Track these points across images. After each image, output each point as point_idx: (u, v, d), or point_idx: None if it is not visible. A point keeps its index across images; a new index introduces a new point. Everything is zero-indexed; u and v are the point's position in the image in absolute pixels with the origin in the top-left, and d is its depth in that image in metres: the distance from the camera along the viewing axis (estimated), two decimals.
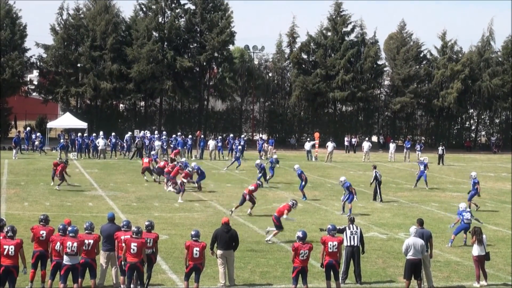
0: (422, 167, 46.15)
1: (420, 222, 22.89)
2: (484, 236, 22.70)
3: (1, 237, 18.88)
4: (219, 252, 21.06)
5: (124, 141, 63.51)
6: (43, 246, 19.98)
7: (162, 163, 43.60)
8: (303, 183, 39.60)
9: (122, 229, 20.38)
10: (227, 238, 21.10)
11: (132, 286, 19.68)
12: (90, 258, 19.58)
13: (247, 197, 33.56)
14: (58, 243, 19.29)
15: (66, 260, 19.09)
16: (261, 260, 24.43)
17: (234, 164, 54.18)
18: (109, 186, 41.85)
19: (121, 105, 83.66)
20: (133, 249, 19.42)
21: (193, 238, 20.26)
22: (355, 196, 34.51)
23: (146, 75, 75.87)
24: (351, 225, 22.36)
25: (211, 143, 63.61)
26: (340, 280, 21.20)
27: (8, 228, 19.09)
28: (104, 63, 76.45)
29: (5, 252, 18.47)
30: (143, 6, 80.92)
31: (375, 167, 42.86)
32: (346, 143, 75.25)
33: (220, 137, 68.27)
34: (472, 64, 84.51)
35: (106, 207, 34.14)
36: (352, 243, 21.97)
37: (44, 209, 32.66)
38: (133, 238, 19.58)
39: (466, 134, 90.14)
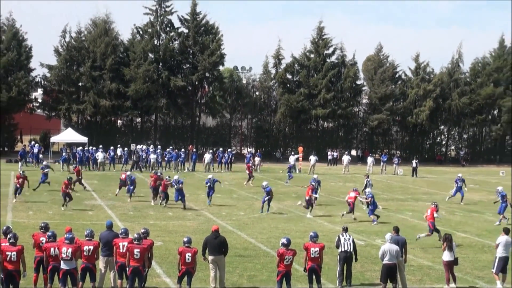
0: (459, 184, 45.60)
1: (396, 230, 23.00)
2: (454, 243, 22.79)
3: (5, 244, 18.90)
4: (210, 257, 21.03)
5: (121, 153, 64.01)
6: (43, 251, 19.99)
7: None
8: (268, 197, 37.55)
9: (120, 236, 20.39)
10: (216, 245, 21.09)
11: None
12: (90, 263, 19.60)
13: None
14: (52, 249, 19.30)
15: (62, 265, 19.09)
16: (248, 265, 24.44)
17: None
18: (108, 196, 41.78)
19: (119, 121, 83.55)
20: (136, 255, 19.51)
21: (186, 244, 20.29)
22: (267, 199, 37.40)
23: (142, 94, 75.93)
24: (344, 233, 22.46)
25: (207, 156, 63.68)
26: (338, 283, 21.32)
27: (11, 235, 19.12)
28: (104, 82, 76.39)
29: (7, 258, 18.52)
30: (139, 30, 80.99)
31: (367, 176, 43.45)
32: (329, 157, 75.38)
33: (211, 151, 68.19)
34: (443, 84, 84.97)
35: (105, 215, 34.10)
36: (346, 248, 22.05)
37: (47, 217, 32.58)
38: (136, 245, 19.67)
39: (437, 149, 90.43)
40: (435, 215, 30.24)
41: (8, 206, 36.99)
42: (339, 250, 22.13)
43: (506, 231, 23.24)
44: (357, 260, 22.63)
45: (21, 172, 40.31)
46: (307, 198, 37.05)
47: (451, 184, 56.53)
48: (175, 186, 38.04)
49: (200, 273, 22.29)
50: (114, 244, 20.19)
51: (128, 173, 42.63)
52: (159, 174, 41.07)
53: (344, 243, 22.19)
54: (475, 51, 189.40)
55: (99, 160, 60.76)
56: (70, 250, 19.09)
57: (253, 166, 56.64)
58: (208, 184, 40.04)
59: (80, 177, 44.34)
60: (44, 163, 49.38)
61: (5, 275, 18.51)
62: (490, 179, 62.03)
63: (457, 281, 22.73)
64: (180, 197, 38.08)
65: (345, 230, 22.81)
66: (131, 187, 40.50)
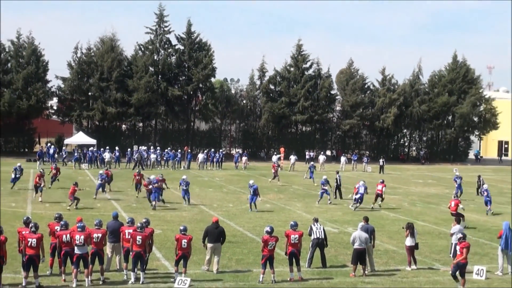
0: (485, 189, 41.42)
1: (366, 219, 23.07)
2: (415, 230, 22.85)
3: (26, 232, 19.04)
4: (209, 245, 21.05)
5: (126, 154, 64.29)
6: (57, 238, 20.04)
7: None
8: (256, 197, 35.28)
9: (127, 224, 20.46)
10: (215, 234, 21.10)
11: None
12: (99, 249, 19.64)
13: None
14: (64, 236, 19.45)
15: (76, 250, 19.23)
16: (236, 250, 24.43)
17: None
18: (114, 190, 41.65)
19: (123, 125, 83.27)
20: (139, 241, 19.57)
21: (182, 232, 20.29)
22: (259, 197, 35.86)
23: (143, 102, 75.79)
24: (315, 223, 22.50)
25: (200, 156, 63.85)
26: (306, 264, 21.33)
27: (32, 224, 19.25)
28: (110, 92, 76.14)
29: (29, 244, 18.65)
30: (141, 47, 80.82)
31: (337, 172, 43.72)
32: (307, 156, 75.50)
33: (205, 151, 68.13)
34: (405, 93, 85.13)
35: (111, 207, 34.00)
36: (318, 236, 22.11)
37: (61, 209, 32.44)
38: (138, 232, 19.73)
39: (400, 149, 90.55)
40: (460, 206, 30.94)
41: (28, 199, 36.89)
42: (312, 238, 22.23)
43: (458, 221, 23.32)
44: (327, 245, 22.64)
45: (41, 170, 39.99)
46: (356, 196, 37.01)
47: (413, 179, 56.83)
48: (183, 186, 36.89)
49: (194, 257, 22.24)
50: (121, 231, 20.36)
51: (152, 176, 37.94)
52: (139, 172, 40.83)
53: (316, 231, 22.25)
54: (433, 65, 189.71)
55: (106, 159, 60.99)
56: (82, 237, 19.22)
57: (278, 166, 53.73)
58: (181, 185, 36.96)
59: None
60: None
61: (26, 259, 18.64)
62: (445, 175, 62.16)
63: (417, 263, 22.81)
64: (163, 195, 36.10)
65: (316, 220, 22.87)
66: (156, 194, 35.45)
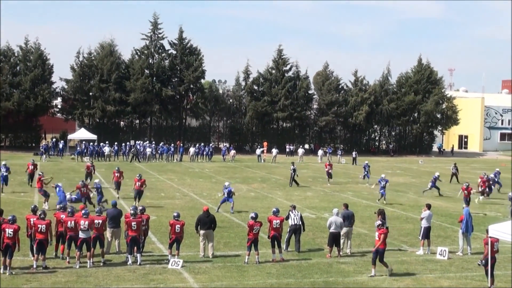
0: (496, 178, 41.87)
1: (346, 206, 23.16)
2: (385, 215, 22.93)
3: (35, 219, 19.12)
4: (201, 231, 20.96)
5: (124, 147, 64.33)
6: (62, 225, 20.04)
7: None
8: (228, 198, 30.76)
9: (130, 212, 20.32)
10: (207, 221, 20.99)
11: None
12: (99, 233, 19.61)
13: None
14: (69, 222, 19.52)
15: (80, 234, 19.26)
16: (224, 234, 24.43)
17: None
18: (113, 181, 41.41)
19: (121, 122, 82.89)
20: (134, 226, 19.61)
21: (175, 218, 20.34)
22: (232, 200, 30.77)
23: (140, 101, 75.58)
24: (293, 210, 22.43)
25: (191, 149, 63.95)
26: (283, 248, 21.32)
27: (41, 212, 19.36)
28: (109, 92, 75.75)
29: (39, 230, 18.75)
30: (137, 51, 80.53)
31: (293, 164, 43.99)
32: (287, 150, 75.58)
33: (196, 145, 68.00)
34: (376, 93, 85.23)
35: (111, 196, 33.78)
36: (295, 222, 22.03)
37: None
38: (133, 219, 19.74)
39: (371, 143, 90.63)
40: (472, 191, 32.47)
41: (35, 189, 36.62)
42: (290, 223, 22.10)
43: (428, 207, 23.38)
44: (304, 230, 22.61)
45: (32, 161, 39.82)
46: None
47: (383, 170, 56.87)
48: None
49: (187, 241, 22.21)
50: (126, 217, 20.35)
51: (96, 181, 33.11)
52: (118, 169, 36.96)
53: (293, 218, 22.18)
54: (400, 68, 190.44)
55: (106, 153, 61.27)
56: (86, 222, 19.30)
57: (330, 167, 46.08)
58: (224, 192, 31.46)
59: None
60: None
61: (37, 243, 18.72)
62: (412, 166, 62.45)
63: (387, 245, 22.85)
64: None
65: (294, 207, 22.80)
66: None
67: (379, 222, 19.65)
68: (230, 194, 30.70)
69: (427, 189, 39.54)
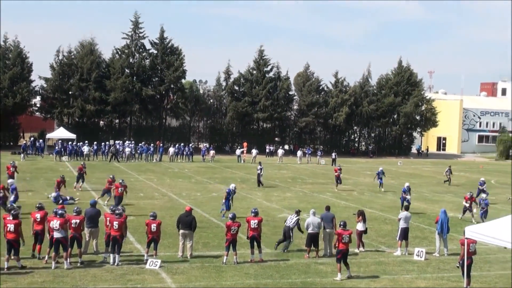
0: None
1: (327, 208, 23.12)
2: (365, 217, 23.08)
3: (7, 218, 18.93)
4: (181, 231, 20.92)
5: (104, 147, 64.07)
6: (39, 226, 19.95)
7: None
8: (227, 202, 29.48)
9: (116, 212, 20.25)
10: (186, 221, 20.94)
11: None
12: (77, 233, 19.44)
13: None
14: (52, 222, 19.29)
15: (55, 234, 19.03)
16: (203, 234, 24.38)
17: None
18: (92, 180, 41.17)
19: (101, 121, 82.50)
20: (115, 226, 19.49)
21: (151, 217, 20.36)
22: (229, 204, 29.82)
23: (120, 100, 75.33)
24: (294, 214, 22.51)
25: (171, 149, 63.88)
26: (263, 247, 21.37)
27: (14, 211, 19.18)
28: (89, 91, 75.42)
29: (8, 229, 18.62)
30: (118, 50, 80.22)
31: (260, 164, 44.08)
32: (267, 150, 75.68)
33: (176, 145, 67.81)
34: (356, 94, 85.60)
35: (90, 196, 33.61)
36: (288, 224, 22.22)
37: (43, 197, 32.14)
38: (116, 218, 19.68)
39: (351, 144, 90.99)
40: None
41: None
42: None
43: (406, 208, 23.52)
44: (302, 232, 22.48)
45: (13, 163, 39.31)
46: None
47: (362, 171, 57.17)
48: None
49: (165, 241, 22.19)
50: (105, 217, 20.27)
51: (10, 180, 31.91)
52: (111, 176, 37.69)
53: (288, 219, 22.45)
54: (380, 69, 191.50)
55: (85, 153, 60.82)
56: (58, 222, 19.00)
57: (340, 171, 43.47)
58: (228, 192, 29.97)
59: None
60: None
61: (7, 243, 18.52)
62: (391, 168, 62.67)
63: (365, 246, 22.99)
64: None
65: (297, 212, 22.81)
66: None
67: (342, 223, 19.68)
68: (230, 193, 29.69)
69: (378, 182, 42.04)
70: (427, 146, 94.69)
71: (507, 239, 15.26)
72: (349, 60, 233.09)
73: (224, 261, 20.06)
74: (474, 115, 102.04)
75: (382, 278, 19.14)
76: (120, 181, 30.33)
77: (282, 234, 22.43)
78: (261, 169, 43.04)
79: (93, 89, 75.42)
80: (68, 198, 31.43)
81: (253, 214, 21.05)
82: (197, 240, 22.97)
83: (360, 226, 22.78)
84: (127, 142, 67.01)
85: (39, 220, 19.90)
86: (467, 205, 30.14)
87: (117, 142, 66.58)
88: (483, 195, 29.48)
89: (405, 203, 29.45)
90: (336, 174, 42.79)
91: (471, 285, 17.78)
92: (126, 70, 78.39)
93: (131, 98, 76.60)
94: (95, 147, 63.20)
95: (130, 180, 41.95)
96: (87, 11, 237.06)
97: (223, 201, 29.56)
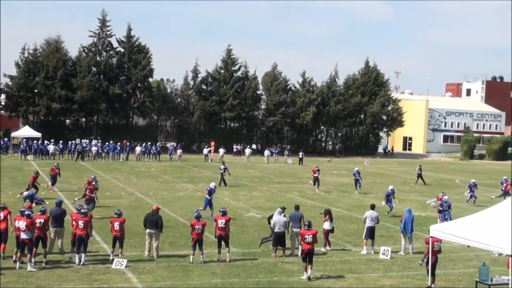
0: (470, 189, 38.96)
1: (296, 207, 23.16)
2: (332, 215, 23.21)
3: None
4: (147, 230, 20.83)
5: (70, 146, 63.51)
6: (2, 225, 19.82)
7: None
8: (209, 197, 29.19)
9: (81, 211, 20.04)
10: (152, 221, 20.86)
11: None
12: (42, 233, 19.26)
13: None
14: (17, 221, 19.12)
15: (22, 235, 18.86)
16: (170, 233, 24.31)
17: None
18: (58, 180, 40.72)
19: (67, 120, 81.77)
20: (81, 225, 19.35)
21: (115, 215, 20.37)
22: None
23: (86, 99, 74.72)
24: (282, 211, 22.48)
25: (138, 149, 63.60)
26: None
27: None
28: (55, 90, 74.61)
29: None
30: (85, 48, 79.57)
31: (223, 163, 44.14)
32: (235, 150, 75.61)
33: (143, 144, 67.44)
34: (323, 94, 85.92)
35: (55, 195, 33.35)
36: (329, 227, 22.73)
37: (8, 197, 31.78)
38: (81, 217, 19.53)
39: (318, 143, 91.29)
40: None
41: None
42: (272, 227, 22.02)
43: (372, 207, 23.69)
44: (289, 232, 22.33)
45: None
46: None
47: (328, 170, 57.41)
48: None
49: (131, 240, 22.11)
50: (71, 216, 20.14)
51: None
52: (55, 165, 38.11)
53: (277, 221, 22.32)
54: (347, 69, 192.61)
55: (50, 151, 60.36)
56: (24, 223, 18.83)
57: (318, 172, 42.01)
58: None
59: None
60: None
61: None
62: (357, 167, 62.95)
63: (331, 245, 23.11)
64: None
65: (282, 208, 22.81)
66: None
67: (307, 222, 19.67)
68: (211, 192, 29.16)
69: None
70: (392, 146, 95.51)
71: (471, 238, 15.48)
72: (317, 60, 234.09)
73: (191, 260, 20.02)
74: (439, 115, 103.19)
75: (348, 276, 19.27)
76: (92, 177, 30.55)
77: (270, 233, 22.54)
78: (224, 169, 42.95)
79: (59, 87, 74.65)
80: (39, 199, 30.83)
81: (220, 214, 21.02)
82: (164, 239, 22.88)
83: (326, 225, 22.90)
84: (93, 141, 66.52)
85: (2, 219, 19.69)
86: (437, 205, 30.16)
87: (83, 141, 66.03)
88: (445, 197, 29.53)
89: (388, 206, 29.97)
90: (315, 175, 41.57)
91: (436, 283, 17.98)
92: (93, 68, 77.83)
93: (97, 96, 76.00)
94: (61, 146, 62.59)
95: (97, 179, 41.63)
96: (53, 8, 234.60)
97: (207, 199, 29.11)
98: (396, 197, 33.38)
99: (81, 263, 19.17)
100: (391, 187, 32.55)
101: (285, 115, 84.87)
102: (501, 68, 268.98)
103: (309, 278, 18.64)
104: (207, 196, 29.09)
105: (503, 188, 39.23)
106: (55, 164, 38.87)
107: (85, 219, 19.48)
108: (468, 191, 38.19)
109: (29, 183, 33.00)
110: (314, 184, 41.37)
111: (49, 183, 36.76)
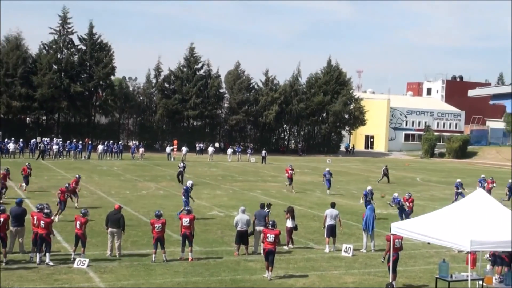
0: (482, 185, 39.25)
1: (262, 206, 23.22)
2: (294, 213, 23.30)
3: None
4: (109, 229, 20.70)
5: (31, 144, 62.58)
6: None
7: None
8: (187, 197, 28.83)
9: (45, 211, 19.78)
10: (114, 219, 20.73)
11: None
12: (2, 232, 19.01)
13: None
14: None
15: None
16: (132, 232, 24.15)
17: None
18: (19, 179, 40.09)
19: (28, 118, 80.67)
20: (42, 225, 19.16)
21: (81, 214, 20.15)
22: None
23: (47, 97, 73.79)
24: (266, 209, 22.94)
25: (100, 147, 63.07)
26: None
27: None
28: (15, 87, 73.50)
29: None
30: (46, 46, 78.62)
31: (182, 161, 44.01)
32: (197, 148, 75.35)
33: (105, 143, 66.83)
34: (286, 93, 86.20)
35: (16, 194, 32.91)
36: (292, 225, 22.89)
37: None
38: (44, 217, 19.32)
39: (281, 142, 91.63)
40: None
41: None
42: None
43: (332, 205, 23.82)
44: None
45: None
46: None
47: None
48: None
49: (93, 239, 21.93)
50: (32, 216, 19.92)
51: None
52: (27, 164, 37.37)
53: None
54: (310, 68, 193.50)
55: (10, 150, 59.43)
56: None
57: (292, 171, 41.38)
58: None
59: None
60: None
61: None
62: (320, 165, 63.35)
63: (294, 242, 23.20)
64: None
65: (267, 205, 23.46)
66: None
67: (271, 222, 19.68)
68: (187, 191, 28.70)
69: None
70: (353, 144, 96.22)
71: (431, 235, 15.68)
72: (279, 59, 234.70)
73: (153, 259, 19.93)
74: (400, 114, 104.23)
75: (310, 274, 19.37)
76: (27, 164, 30.77)
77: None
78: (184, 167, 42.75)
79: (19, 85, 73.54)
80: None
81: (185, 212, 20.97)
82: (126, 238, 22.74)
83: (289, 223, 23.00)
84: (55, 139, 65.80)
85: None
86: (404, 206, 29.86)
87: (44, 139, 65.23)
88: (396, 195, 29.13)
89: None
90: (288, 174, 40.84)
91: (397, 280, 18.17)
92: (54, 66, 76.92)
93: (59, 94, 75.15)
94: (22, 145, 61.74)
95: (58, 178, 41.33)
96: (12, 4, 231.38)
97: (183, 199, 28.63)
98: (356, 195, 33.64)
99: (46, 263, 18.95)
100: (369, 187, 31.49)
101: (248, 113, 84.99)
102: (461, 67, 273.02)
103: (270, 279, 18.54)
104: (184, 197, 28.50)
105: (485, 187, 38.53)
106: (26, 164, 38.08)
107: (47, 220, 19.29)
108: (456, 190, 37.42)
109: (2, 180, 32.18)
110: (290, 184, 40.64)
111: (23, 183, 36.08)
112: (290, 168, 41.28)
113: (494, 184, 40.76)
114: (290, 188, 40.50)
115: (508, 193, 39.56)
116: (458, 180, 38.48)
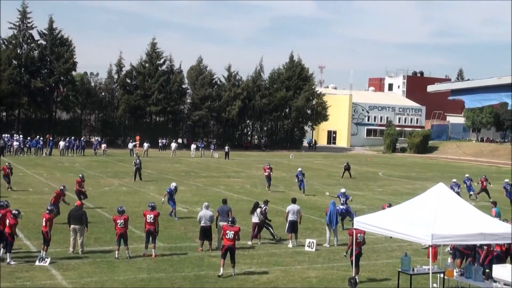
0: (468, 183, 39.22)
1: (224, 201, 23.21)
2: (259, 209, 23.32)
3: None
4: (72, 226, 20.51)
5: None
6: None
7: None
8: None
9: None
10: (76, 216, 20.53)
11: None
12: None
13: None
14: None
15: None
16: (95, 229, 23.94)
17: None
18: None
19: None
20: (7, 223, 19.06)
21: (47, 211, 19.90)
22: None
23: (7, 93, 72.73)
24: (263, 206, 23.72)
25: (61, 143, 62.31)
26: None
27: None
28: None
29: None
30: (5, 41, 77.55)
31: (138, 157, 43.86)
32: (160, 144, 74.91)
33: (67, 139, 66.03)
34: (249, 88, 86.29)
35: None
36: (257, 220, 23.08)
37: None
38: (11, 218, 19.15)
39: (244, 137, 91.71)
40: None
41: None
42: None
43: (293, 201, 23.93)
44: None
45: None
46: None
47: (254, 164, 57.75)
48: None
49: (55, 237, 21.66)
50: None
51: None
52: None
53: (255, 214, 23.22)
54: (272, 64, 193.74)
55: None
56: None
57: (270, 170, 39.42)
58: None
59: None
60: None
61: None
62: (283, 161, 63.71)
63: (261, 238, 23.26)
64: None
65: (265, 202, 24.21)
66: None
67: (230, 219, 19.69)
68: (172, 193, 28.07)
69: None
70: (315, 140, 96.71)
71: (393, 229, 15.83)
72: (242, 55, 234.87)
73: (116, 255, 19.81)
74: (362, 110, 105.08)
75: (274, 269, 19.42)
76: (7, 164, 30.04)
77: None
78: (140, 163, 42.19)
79: None
80: None
81: (150, 208, 20.86)
82: (89, 235, 22.52)
83: (255, 219, 23.06)
84: (15, 135, 64.85)
85: None
86: (332, 195, 29.81)
87: (4, 135, 64.21)
88: (342, 190, 29.00)
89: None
90: (266, 173, 39.34)
91: (360, 274, 18.34)
92: (14, 61, 75.88)
93: (19, 90, 74.13)
94: None
95: (19, 175, 40.69)
96: None
97: (164, 200, 28.16)
98: (319, 190, 33.73)
99: (7, 262, 18.70)
100: (342, 190, 28.87)
101: (211, 109, 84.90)
102: (422, 63, 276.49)
103: (233, 274, 18.46)
104: (168, 198, 27.96)
105: (480, 185, 38.57)
106: (6, 163, 37.22)
107: (14, 221, 19.11)
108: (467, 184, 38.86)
109: None
110: (268, 183, 39.21)
111: (7, 184, 35.24)
112: (268, 167, 39.39)
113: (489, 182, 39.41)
114: (267, 189, 38.82)
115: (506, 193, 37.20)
116: (467, 175, 40.15)
